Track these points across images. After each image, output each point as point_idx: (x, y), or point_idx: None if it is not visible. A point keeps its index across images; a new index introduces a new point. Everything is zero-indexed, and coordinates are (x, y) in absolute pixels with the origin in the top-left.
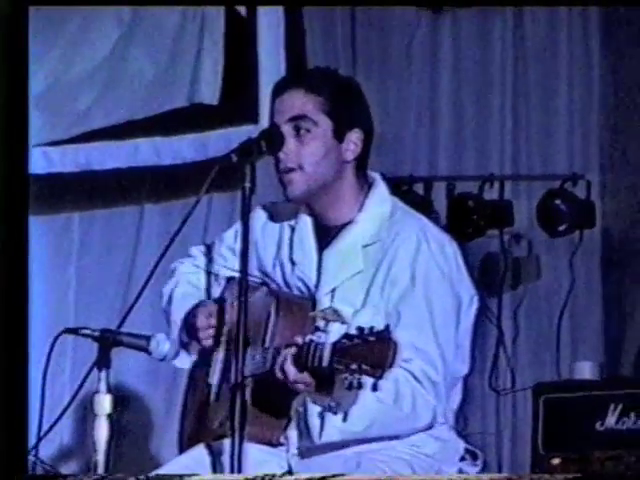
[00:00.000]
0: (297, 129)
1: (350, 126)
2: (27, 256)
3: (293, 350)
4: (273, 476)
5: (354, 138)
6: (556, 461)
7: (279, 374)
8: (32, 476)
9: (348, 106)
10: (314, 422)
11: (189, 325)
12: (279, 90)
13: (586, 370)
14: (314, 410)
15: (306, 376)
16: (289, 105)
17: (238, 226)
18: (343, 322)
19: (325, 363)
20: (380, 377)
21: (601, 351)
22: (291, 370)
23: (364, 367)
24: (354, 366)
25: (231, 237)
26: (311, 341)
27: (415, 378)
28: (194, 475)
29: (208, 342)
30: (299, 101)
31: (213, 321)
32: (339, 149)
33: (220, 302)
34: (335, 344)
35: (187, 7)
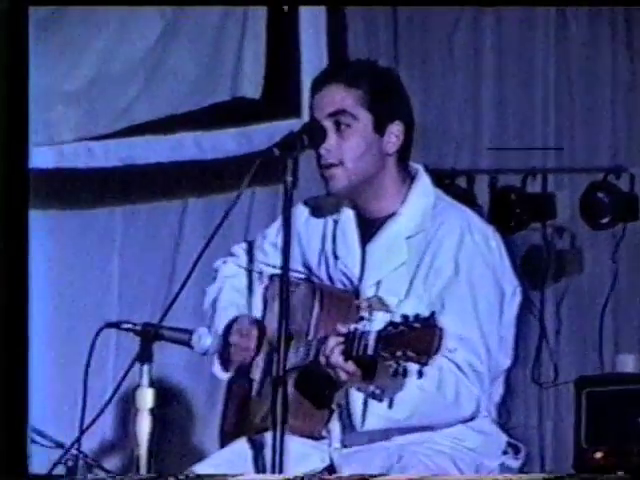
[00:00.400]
0: (337, 124)
1: (391, 119)
2: (28, 251)
3: (339, 339)
4: (313, 476)
5: (395, 130)
6: (598, 455)
7: (324, 364)
8: (31, 476)
9: (388, 98)
10: (357, 410)
11: (225, 341)
12: (318, 85)
13: (629, 363)
14: (357, 399)
15: (351, 365)
16: (329, 100)
17: (280, 222)
18: (388, 310)
19: (370, 351)
20: (425, 364)
21: None
22: (338, 359)
23: (409, 354)
24: (399, 353)
25: (273, 233)
26: (356, 330)
27: (459, 368)
28: (237, 475)
29: (240, 360)
30: (338, 96)
31: (248, 340)
32: (380, 142)
33: (259, 321)
34: (380, 332)
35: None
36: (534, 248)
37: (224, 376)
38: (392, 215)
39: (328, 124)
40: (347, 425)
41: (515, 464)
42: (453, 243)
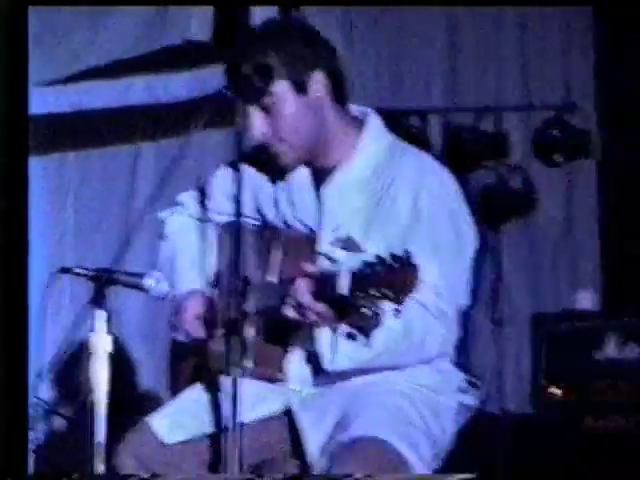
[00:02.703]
0: (262, 107)
1: (307, 74)
2: (28, 197)
3: (308, 280)
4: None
5: (317, 80)
6: (556, 391)
7: (292, 307)
8: (32, 476)
9: (298, 56)
10: (325, 351)
11: (177, 315)
12: None
13: (585, 300)
14: (325, 339)
15: (321, 305)
16: None
17: (230, 169)
18: (360, 250)
19: (345, 291)
20: (401, 303)
21: (599, 280)
22: (307, 299)
23: (387, 293)
24: (375, 292)
25: (223, 179)
26: (325, 271)
27: (426, 309)
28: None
29: (194, 334)
30: None
31: (200, 324)
32: (307, 100)
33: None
34: (355, 273)
35: None
36: (489, 187)
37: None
38: (343, 160)
39: (252, 109)
40: (313, 366)
41: (473, 402)
42: (411, 187)
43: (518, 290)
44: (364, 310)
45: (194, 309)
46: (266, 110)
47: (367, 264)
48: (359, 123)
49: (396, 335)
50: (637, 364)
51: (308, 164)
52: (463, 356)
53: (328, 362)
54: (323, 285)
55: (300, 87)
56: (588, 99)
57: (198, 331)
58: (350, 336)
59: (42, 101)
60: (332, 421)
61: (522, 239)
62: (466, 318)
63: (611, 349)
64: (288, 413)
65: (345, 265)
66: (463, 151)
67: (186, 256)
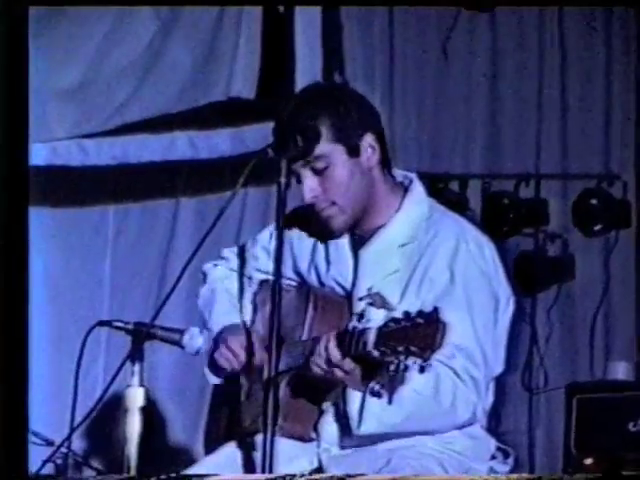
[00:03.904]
0: (313, 170)
1: (359, 136)
2: (28, 248)
3: (336, 336)
4: (293, 476)
5: (368, 143)
6: (588, 461)
7: (319, 361)
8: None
9: (350, 119)
10: (354, 413)
11: (216, 349)
12: None
13: (620, 370)
14: (354, 401)
15: (348, 362)
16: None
17: (273, 227)
18: (389, 308)
19: (370, 347)
20: (428, 359)
21: (635, 351)
22: (335, 356)
23: (412, 349)
24: (401, 348)
25: (266, 237)
26: (354, 327)
27: (456, 374)
28: (215, 475)
29: (229, 369)
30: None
31: (237, 351)
32: (359, 163)
33: (248, 330)
34: (381, 327)
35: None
36: (526, 254)
37: (215, 381)
38: (386, 224)
39: (304, 171)
40: (343, 427)
41: (504, 469)
42: (448, 252)
43: (553, 358)
44: (389, 365)
45: (235, 339)
46: (318, 172)
47: (393, 319)
48: (402, 188)
49: (425, 399)
50: None
51: (351, 228)
52: (495, 422)
53: (356, 425)
54: (351, 341)
55: (352, 150)
56: (628, 169)
57: (240, 359)
58: (374, 393)
59: (82, 153)
60: None
61: (559, 307)
62: (499, 384)
63: None
64: (319, 471)
65: (373, 322)
66: (502, 217)
67: (225, 300)
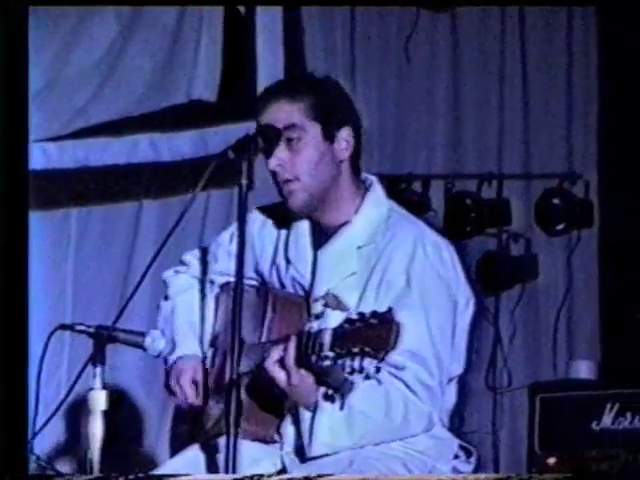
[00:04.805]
0: (288, 140)
1: (338, 125)
2: (28, 252)
3: (293, 342)
4: (261, 476)
5: (345, 135)
6: (552, 460)
7: (275, 367)
8: (32, 476)
9: (332, 106)
10: (305, 435)
11: (173, 380)
12: (261, 105)
13: (583, 369)
14: (306, 420)
15: (296, 374)
16: (275, 118)
17: (234, 228)
18: (343, 309)
19: (326, 349)
20: (382, 359)
21: (598, 350)
22: (291, 364)
23: (366, 350)
24: (356, 350)
25: (227, 239)
26: (310, 329)
27: (407, 387)
28: (185, 475)
29: (190, 400)
30: (283, 113)
31: (187, 392)
32: (332, 150)
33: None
34: (336, 329)
35: (186, 6)
36: (489, 254)
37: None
38: (345, 224)
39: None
40: (297, 449)
41: (467, 468)
42: (405, 256)
43: (517, 357)
44: (346, 367)
45: (190, 374)
46: (290, 146)
47: (348, 320)
48: (365, 189)
49: (374, 422)
50: (634, 434)
51: (311, 218)
52: (458, 422)
53: (307, 449)
54: (308, 343)
55: (328, 134)
56: (590, 169)
57: (194, 397)
58: (327, 397)
59: (44, 156)
60: None
61: (522, 307)
62: (463, 384)
63: (608, 419)
64: (282, 473)
65: (331, 323)
66: (465, 217)
67: (184, 319)
